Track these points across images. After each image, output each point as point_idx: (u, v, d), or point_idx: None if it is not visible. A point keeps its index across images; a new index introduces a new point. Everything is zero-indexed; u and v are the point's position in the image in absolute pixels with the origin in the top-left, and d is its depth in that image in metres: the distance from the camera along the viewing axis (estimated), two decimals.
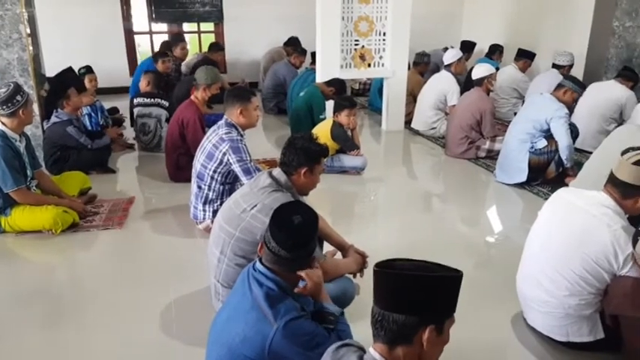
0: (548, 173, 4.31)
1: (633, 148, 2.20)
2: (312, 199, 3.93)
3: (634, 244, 2.00)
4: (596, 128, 4.99)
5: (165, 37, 8.11)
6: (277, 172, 2.36)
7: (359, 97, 7.82)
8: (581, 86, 4.27)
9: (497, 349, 2.41)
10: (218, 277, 2.36)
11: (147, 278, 2.96)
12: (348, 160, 4.63)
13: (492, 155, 4.91)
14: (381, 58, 5.82)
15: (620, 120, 4.99)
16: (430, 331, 1.23)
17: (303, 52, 6.99)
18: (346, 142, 4.59)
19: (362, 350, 1.40)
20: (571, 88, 4.17)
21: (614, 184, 2.17)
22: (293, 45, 7.22)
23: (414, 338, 1.24)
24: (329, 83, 5.19)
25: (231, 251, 2.27)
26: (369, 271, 2.56)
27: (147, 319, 2.56)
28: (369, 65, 5.82)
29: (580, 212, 2.20)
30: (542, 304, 2.28)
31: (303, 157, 2.32)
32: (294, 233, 1.67)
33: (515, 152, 4.28)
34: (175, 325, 2.53)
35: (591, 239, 2.12)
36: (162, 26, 8.41)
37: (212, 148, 3.17)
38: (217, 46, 7.72)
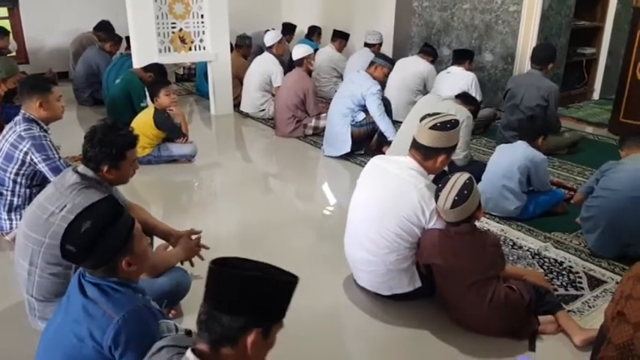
0: (372, 145, 4.67)
1: (430, 115, 2.47)
2: (141, 193, 3.73)
3: (436, 200, 2.26)
4: (406, 100, 5.49)
5: None
6: (82, 168, 2.14)
7: (185, 82, 7.55)
8: (390, 62, 4.66)
9: (332, 312, 2.55)
10: (31, 292, 2.11)
11: None
12: (177, 149, 4.45)
13: (319, 132, 5.12)
14: (201, 41, 5.66)
15: (425, 91, 5.56)
16: (256, 334, 1.20)
17: (118, 38, 6.45)
18: (172, 128, 4.39)
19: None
20: (381, 64, 4.53)
21: (416, 147, 2.41)
22: (104, 30, 6.62)
23: (239, 341, 1.20)
24: (146, 68, 4.90)
25: (43, 260, 2.04)
26: (199, 261, 2.51)
27: None
28: (190, 49, 5.63)
29: (392, 177, 2.41)
30: (367, 264, 2.47)
31: (101, 154, 2.08)
32: (82, 244, 1.49)
33: (338, 126, 4.53)
34: None
35: (403, 199, 2.34)
36: None
37: (10, 149, 2.79)
38: (1, 31, 6.35)
